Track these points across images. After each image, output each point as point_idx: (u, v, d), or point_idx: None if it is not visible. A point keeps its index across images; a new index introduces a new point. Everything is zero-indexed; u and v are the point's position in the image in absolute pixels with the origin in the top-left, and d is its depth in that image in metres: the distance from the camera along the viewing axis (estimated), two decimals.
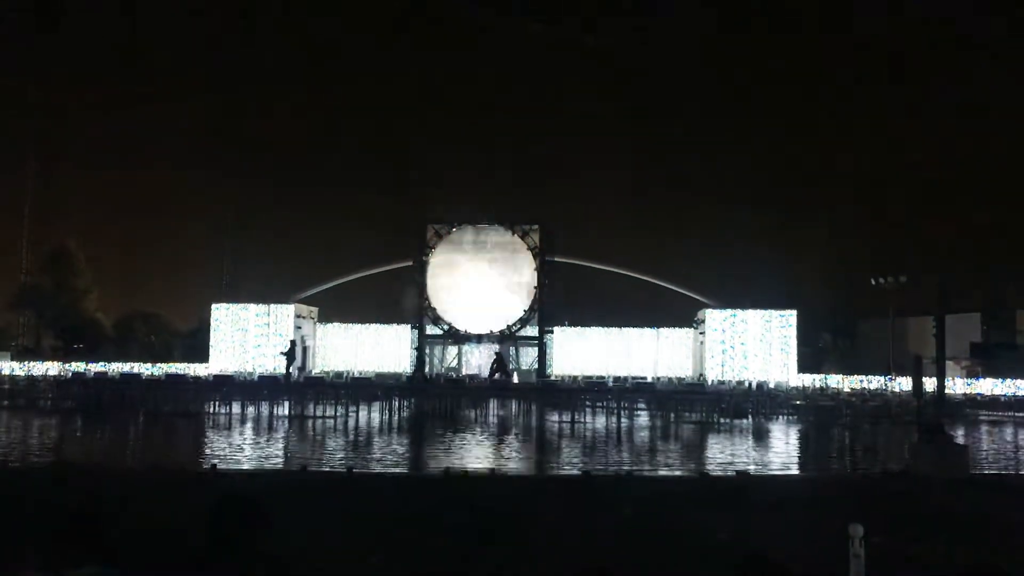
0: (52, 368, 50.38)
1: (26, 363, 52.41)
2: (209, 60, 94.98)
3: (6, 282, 67.81)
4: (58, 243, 68.39)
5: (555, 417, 31.05)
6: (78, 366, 50.04)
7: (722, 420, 30.78)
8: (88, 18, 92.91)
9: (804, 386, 48.62)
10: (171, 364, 54.49)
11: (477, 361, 53.41)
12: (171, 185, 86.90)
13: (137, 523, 8.32)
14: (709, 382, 49.17)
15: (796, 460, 22.09)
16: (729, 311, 54.40)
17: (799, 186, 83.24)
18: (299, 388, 36.06)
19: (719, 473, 17.26)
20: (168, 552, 6.87)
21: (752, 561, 3.97)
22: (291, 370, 44.10)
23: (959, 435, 24.14)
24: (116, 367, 50.31)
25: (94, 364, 51.20)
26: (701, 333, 55.45)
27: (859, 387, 46.79)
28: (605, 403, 33.75)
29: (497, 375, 40.85)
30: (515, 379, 48.49)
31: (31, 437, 24.43)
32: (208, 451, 20.83)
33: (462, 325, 54.18)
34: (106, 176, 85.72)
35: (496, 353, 45.78)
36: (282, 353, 44.93)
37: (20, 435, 24.81)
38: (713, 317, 54.46)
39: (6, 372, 48.97)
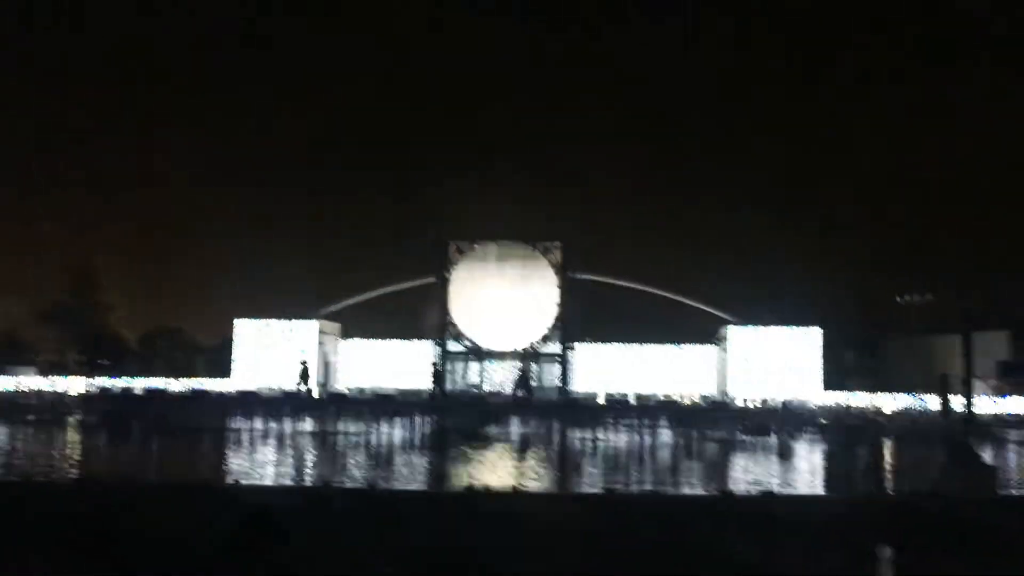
0: (77, 383, 50.83)
1: (52, 378, 52.91)
2: (232, 77, 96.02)
3: (33, 298, 68.58)
4: (84, 259, 69.28)
5: (577, 434, 30.91)
6: (103, 381, 50.44)
7: (745, 439, 30.52)
8: (108, 36, 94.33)
9: (829, 404, 48.13)
10: (194, 379, 54.86)
11: (499, 378, 53.33)
12: (195, 201, 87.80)
13: (156, 536, 8.37)
14: (734, 400, 48.82)
15: (822, 480, 21.84)
16: (752, 328, 54.07)
17: (823, 201, 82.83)
18: (321, 404, 36.15)
19: (743, 493, 17.08)
20: (184, 565, 6.91)
21: None
22: (305, 387, 44.24)
23: (987, 455, 23.81)
24: (141, 382, 50.68)
25: (119, 379, 51.60)
26: (724, 350, 55.13)
27: (885, 406, 46.25)
28: (628, 421, 33.57)
29: (519, 392, 40.76)
30: (534, 395, 48.38)
31: (56, 452, 24.62)
32: (230, 466, 20.90)
33: (484, 342, 54.20)
34: (131, 193, 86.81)
35: (520, 370, 45.71)
36: (301, 377, 45.08)
37: (45, 449, 25.01)
38: (736, 334, 54.14)
39: (32, 387, 49.45)
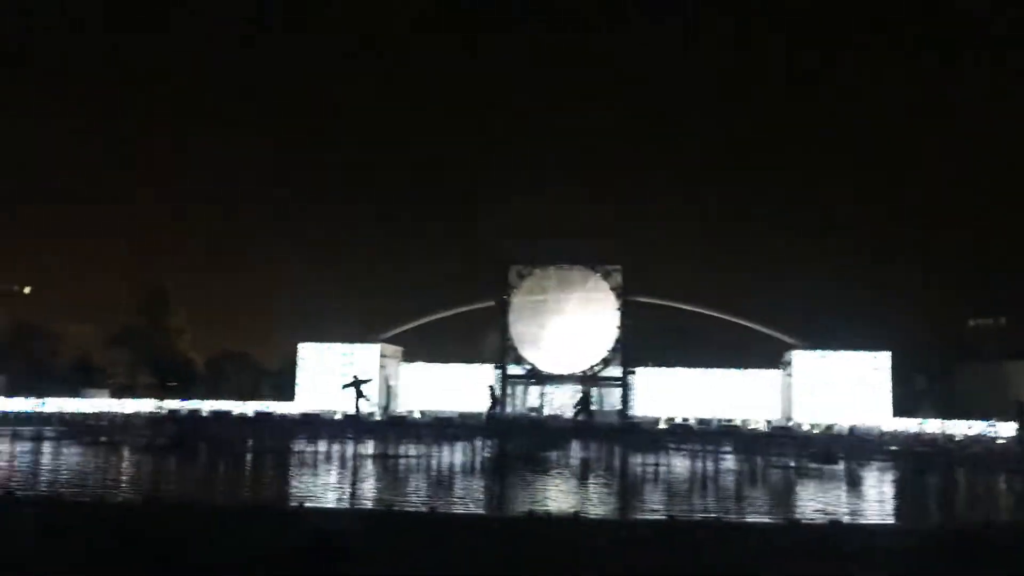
0: (147, 405, 52.04)
1: (122, 400, 54.26)
2: (295, 107, 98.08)
3: (106, 322, 70.55)
4: (154, 285, 71.10)
5: (639, 459, 30.54)
6: (172, 403, 51.56)
7: (812, 465, 29.80)
8: (182, 65, 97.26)
9: (898, 431, 46.83)
10: (259, 402, 55.77)
11: (559, 402, 53.14)
12: (261, 227, 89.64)
13: (224, 559, 8.48)
14: (799, 426, 47.84)
15: (892, 509, 21.19)
16: (818, 352, 53.08)
17: (893, 223, 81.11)
18: (382, 427, 36.41)
19: (809, 521, 16.66)
20: None
21: None
22: (362, 402, 44.42)
23: None
24: (208, 404, 51.68)
25: (187, 401, 52.71)
26: (788, 374, 54.14)
27: (958, 433, 44.79)
28: (689, 446, 33.08)
29: (580, 415, 40.53)
30: (595, 419, 48.00)
31: (127, 472, 25.17)
32: (293, 488, 21.12)
33: (544, 366, 54.10)
34: (199, 220, 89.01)
35: (582, 392, 45.46)
36: (349, 386, 45.21)
37: (117, 471, 25.59)
38: (801, 358, 53.20)
39: (104, 409, 50.72)
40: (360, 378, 45.72)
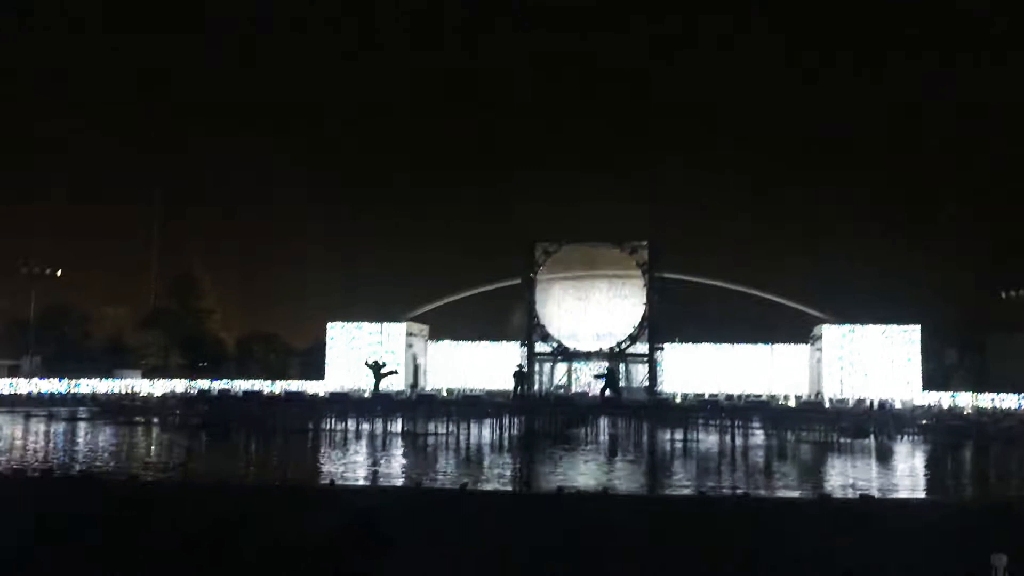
0: (179, 386, 52.72)
1: (155, 381, 54.99)
2: (315, 87, 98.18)
3: (138, 304, 71.47)
4: (184, 267, 71.90)
5: (667, 435, 30.54)
6: (202, 384, 52.18)
7: (842, 440, 29.65)
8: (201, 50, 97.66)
9: (930, 405, 46.45)
10: (289, 381, 56.31)
11: (587, 379, 53.17)
12: (288, 208, 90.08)
13: (259, 539, 8.57)
14: (829, 400, 47.56)
15: (924, 484, 21.04)
16: (847, 326, 52.70)
17: (920, 194, 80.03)
18: (410, 405, 36.60)
19: (841, 496, 16.60)
20: (290, 568, 7.07)
21: None
22: (382, 382, 44.63)
23: None
24: (238, 385, 52.23)
25: (217, 382, 53.30)
26: (818, 349, 53.82)
27: (990, 406, 44.35)
28: (718, 421, 33.00)
29: (608, 392, 40.43)
30: (623, 395, 47.95)
31: (160, 452, 25.54)
32: (325, 467, 21.32)
33: (571, 343, 54.09)
34: (227, 202, 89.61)
35: (608, 368, 45.36)
36: (371, 367, 45.44)
37: (149, 451, 25.98)
38: (830, 332, 52.86)
39: (137, 390, 51.47)
40: (384, 367, 45.94)
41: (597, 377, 46.55)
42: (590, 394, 47.99)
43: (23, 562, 8.16)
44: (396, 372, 48.67)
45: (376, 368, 45.16)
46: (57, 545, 8.80)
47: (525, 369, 48.45)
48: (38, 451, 23.93)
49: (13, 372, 57.16)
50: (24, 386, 50.48)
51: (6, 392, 47.76)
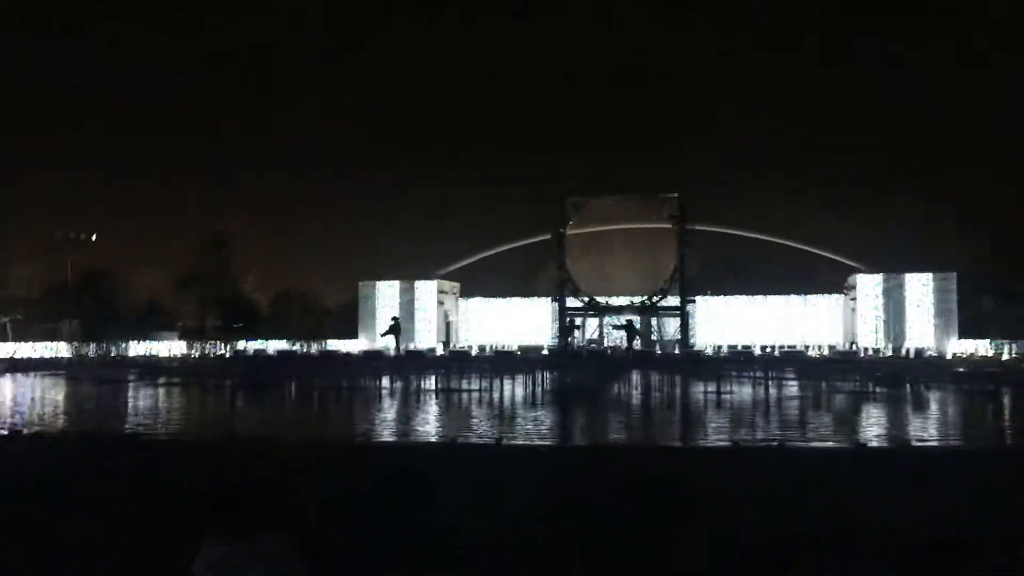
0: (215, 347, 53.45)
1: (191, 342, 55.80)
2: (347, 48, 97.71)
3: (172, 266, 72.11)
4: (218, 227, 72.28)
5: (700, 388, 30.51)
6: (238, 344, 52.87)
7: (878, 390, 29.46)
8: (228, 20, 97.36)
9: (966, 353, 45.96)
10: (322, 341, 56.85)
11: (619, 333, 53.15)
12: (319, 166, 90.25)
13: (303, 495, 8.70)
14: (864, 351, 47.20)
15: (961, 432, 20.87)
16: (882, 275, 52.05)
17: (954, 140, 78.40)
18: (444, 362, 36.87)
19: (877, 445, 16.52)
20: (335, 523, 7.16)
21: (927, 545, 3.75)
22: (400, 345, 44.71)
23: None
24: (273, 345, 52.83)
25: (252, 342, 53.96)
26: (852, 299, 53.31)
27: None
28: (752, 374, 32.92)
29: (635, 343, 40.41)
30: (640, 348, 47.90)
31: (197, 413, 25.95)
32: (362, 424, 21.57)
33: (602, 297, 53.97)
34: (261, 163, 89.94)
35: (627, 320, 45.15)
36: (386, 333, 45.39)
37: (187, 411, 26.40)
38: (865, 282, 52.30)
39: (175, 352, 52.26)
40: (393, 323, 45.85)
41: (616, 328, 46.57)
42: (623, 347, 48.05)
43: (62, 522, 8.34)
44: (391, 324, 48.06)
45: (395, 329, 45.30)
46: (91, 505, 8.99)
47: (636, 322, 47.61)
48: (76, 413, 24.43)
49: (52, 336, 58.16)
50: (63, 349, 51.47)
51: (47, 355, 48.74)
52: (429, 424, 21.69)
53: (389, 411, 24.54)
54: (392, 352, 43.93)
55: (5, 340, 54.64)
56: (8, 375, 39.34)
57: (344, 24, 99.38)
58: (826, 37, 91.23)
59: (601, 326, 55.10)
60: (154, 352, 52.12)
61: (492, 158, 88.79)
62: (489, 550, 6.83)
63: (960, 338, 49.75)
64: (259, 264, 73.16)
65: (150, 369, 41.28)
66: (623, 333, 47.60)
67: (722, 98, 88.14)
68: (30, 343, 52.76)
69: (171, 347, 54.25)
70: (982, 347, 47.33)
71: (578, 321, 53.16)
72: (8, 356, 48.43)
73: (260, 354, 45.39)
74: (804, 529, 8.06)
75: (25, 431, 17.98)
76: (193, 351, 54.16)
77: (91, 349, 52.50)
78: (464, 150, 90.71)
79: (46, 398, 29.43)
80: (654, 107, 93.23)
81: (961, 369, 34.98)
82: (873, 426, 20.88)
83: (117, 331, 55.05)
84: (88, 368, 43.37)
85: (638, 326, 50.97)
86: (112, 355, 50.57)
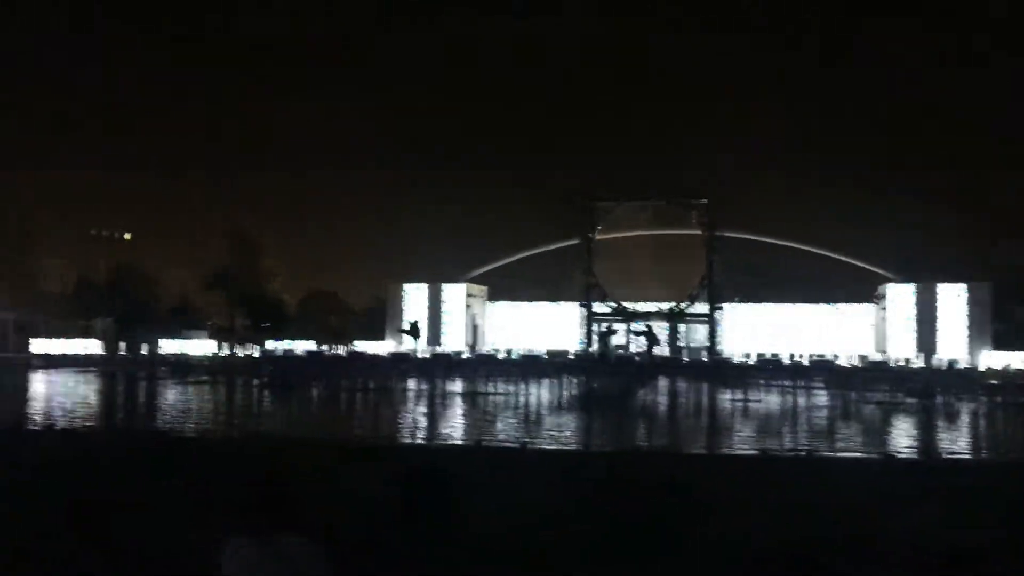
0: (244, 347, 53.91)
1: (221, 342, 56.31)
2: (374, 48, 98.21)
3: (202, 266, 72.77)
4: (246, 228, 72.91)
5: (727, 396, 30.35)
6: (267, 344, 53.27)
7: (908, 401, 29.14)
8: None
9: (999, 365, 45.28)
10: (349, 342, 57.13)
11: (644, 340, 52.90)
12: (348, 169, 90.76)
13: (328, 494, 8.78)
14: (895, 361, 46.65)
15: (992, 444, 20.59)
16: (913, 284, 51.45)
17: (989, 146, 77.28)
18: (471, 365, 36.95)
19: (906, 457, 16.35)
20: (359, 522, 7.23)
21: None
22: (404, 339, 44.33)
23: None
24: (300, 345, 53.20)
25: (280, 342, 54.36)
26: (883, 308, 52.75)
27: None
28: (780, 382, 32.72)
29: (654, 350, 40.15)
30: (684, 357, 47.71)
31: (224, 410, 26.19)
32: (388, 425, 21.68)
33: (630, 303, 53.80)
34: (291, 166, 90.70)
35: (647, 326, 44.95)
36: (402, 331, 45.09)
37: (216, 409, 26.66)
38: (896, 291, 51.72)
39: (205, 352, 52.73)
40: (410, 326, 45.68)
41: (636, 335, 46.37)
42: (645, 352, 47.86)
43: (92, 514, 8.46)
44: (412, 332, 47.90)
45: (413, 330, 45.20)
46: (118, 500, 9.12)
47: (653, 329, 47.30)
48: (108, 410, 24.78)
49: (86, 333, 58.94)
50: (96, 347, 52.14)
51: (81, 352, 49.42)
52: (455, 427, 21.75)
53: (409, 413, 24.66)
54: (414, 350, 44.07)
55: (37, 336, 55.43)
56: (42, 371, 39.97)
57: (385, 23, 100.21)
58: (859, 36, 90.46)
59: (628, 332, 54.91)
60: (185, 351, 52.66)
61: (519, 161, 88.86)
62: (505, 551, 6.87)
63: (993, 349, 49.04)
64: (287, 264, 73.65)
65: (181, 367, 41.73)
66: (635, 335, 47.34)
67: (751, 99, 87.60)
68: (62, 339, 53.42)
69: (202, 345, 54.79)
70: (1016, 359, 46.58)
71: (615, 326, 52.84)
72: (43, 352, 49.16)
73: (289, 354, 45.71)
74: (820, 534, 8.04)
75: (57, 426, 18.27)
76: (223, 350, 54.64)
77: (123, 347, 53.11)
78: (494, 153, 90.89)
79: (80, 393, 29.83)
80: (684, 111, 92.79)
81: (994, 381, 34.48)
82: (902, 437, 20.66)
83: (148, 329, 55.68)
84: (121, 365, 43.94)
85: (658, 332, 50.76)
86: (144, 353, 51.14)
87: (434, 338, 53.99)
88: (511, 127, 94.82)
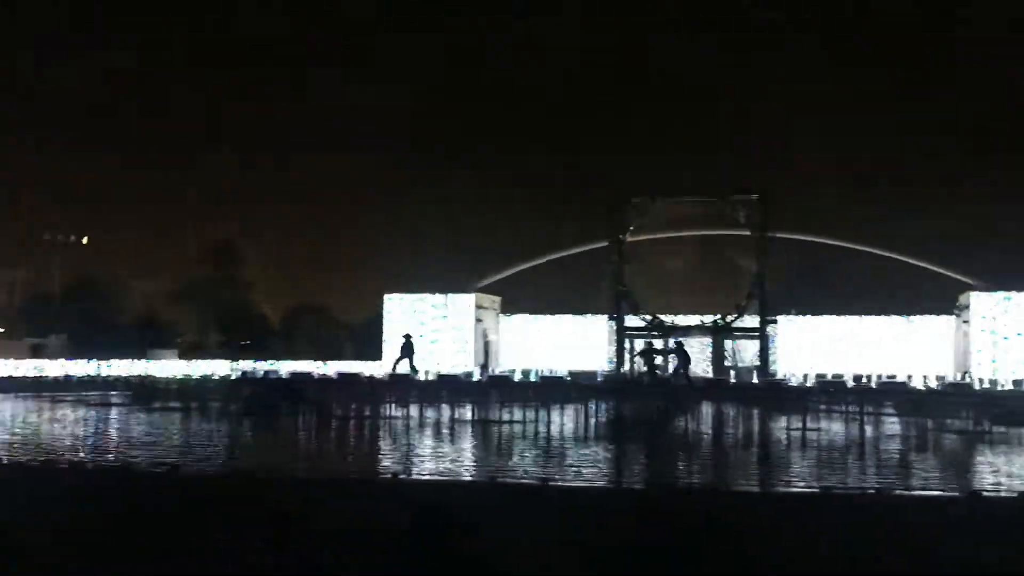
0: (219, 366, 54.17)
1: (192, 360, 56.63)
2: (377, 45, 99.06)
3: (173, 275, 73.39)
4: (223, 234, 73.54)
5: (782, 423, 30.31)
6: (245, 364, 53.51)
7: (995, 429, 29.00)
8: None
9: None
10: (341, 361, 57.34)
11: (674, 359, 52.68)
12: (338, 168, 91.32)
13: (326, 533, 8.88)
14: (979, 382, 46.42)
15: None
16: (1001, 294, 51.27)
17: None
18: (482, 388, 36.98)
19: (994, 494, 16.30)
20: (361, 562, 7.31)
21: None
22: (414, 366, 44.30)
23: None
24: (284, 365, 53.40)
25: (261, 362, 54.61)
26: (965, 321, 52.53)
27: None
28: (844, 407, 32.59)
29: (683, 372, 39.83)
30: (731, 378, 47.54)
31: (204, 442, 26.32)
32: (387, 458, 21.78)
33: (667, 315, 53.66)
34: (269, 166, 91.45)
35: (677, 343, 44.84)
36: (399, 359, 45.05)
37: (191, 439, 26.79)
38: (980, 301, 51.54)
39: (175, 373, 53.02)
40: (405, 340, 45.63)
41: (667, 354, 46.13)
42: (681, 373, 47.70)
43: (54, 561, 8.57)
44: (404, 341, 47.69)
45: (408, 348, 45.03)
46: (91, 542, 9.23)
47: (684, 346, 47.36)
48: (67, 440, 24.96)
49: (38, 352, 59.33)
50: (50, 368, 52.51)
51: (31, 375, 49.75)
52: (465, 460, 21.83)
53: (411, 444, 24.77)
54: (411, 374, 43.88)
55: None
56: None
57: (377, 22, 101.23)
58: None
59: (666, 349, 54.75)
60: (150, 372, 52.96)
61: (534, 157, 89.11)
62: None
63: None
64: (270, 275, 74.16)
65: (145, 392, 41.94)
66: (666, 354, 47.12)
67: (806, 87, 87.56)
68: (12, 360, 53.72)
69: (169, 366, 55.09)
70: None
71: (657, 344, 52.61)
72: None
73: (270, 375, 45.78)
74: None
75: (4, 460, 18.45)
76: (194, 371, 54.95)
77: (78, 367, 53.45)
78: (508, 149, 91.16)
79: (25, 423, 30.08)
80: (724, 98, 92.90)
81: None
82: (987, 473, 20.57)
83: (110, 347, 56.06)
84: (76, 389, 44.24)
85: (691, 349, 50.54)
86: (103, 375, 51.47)
87: (439, 357, 54.02)
88: (513, 126, 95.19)
